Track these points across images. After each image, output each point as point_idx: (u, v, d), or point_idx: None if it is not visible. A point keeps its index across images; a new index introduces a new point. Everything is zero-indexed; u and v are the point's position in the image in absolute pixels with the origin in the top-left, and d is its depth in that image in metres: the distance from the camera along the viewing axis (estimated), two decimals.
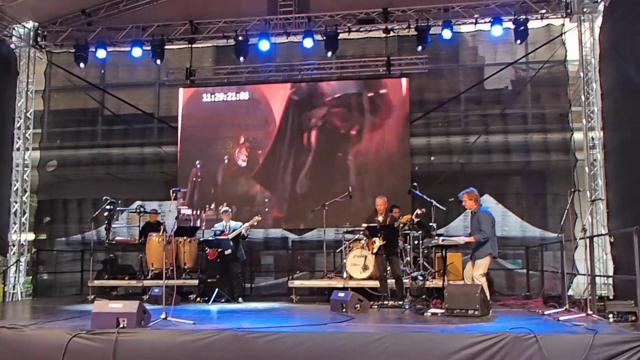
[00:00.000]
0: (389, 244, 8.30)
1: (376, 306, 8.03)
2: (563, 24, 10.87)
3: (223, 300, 9.12)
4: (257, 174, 11.90)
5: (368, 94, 11.79)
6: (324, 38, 10.95)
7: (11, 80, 11.45)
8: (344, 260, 9.52)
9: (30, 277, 11.53)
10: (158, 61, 11.48)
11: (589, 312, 6.65)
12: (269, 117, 12.02)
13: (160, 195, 11.74)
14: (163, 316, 6.31)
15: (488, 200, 10.50)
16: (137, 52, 11.34)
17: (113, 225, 10.67)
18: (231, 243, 9.16)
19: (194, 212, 11.97)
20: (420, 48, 10.97)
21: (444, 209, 9.47)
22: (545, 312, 7.16)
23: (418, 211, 8.35)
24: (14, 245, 11.14)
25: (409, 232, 9.63)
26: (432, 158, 11.84)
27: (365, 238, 9.09)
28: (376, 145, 11.64)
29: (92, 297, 9.54)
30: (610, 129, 9.46)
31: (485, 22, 10.81)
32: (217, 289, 9.11)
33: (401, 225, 8.55)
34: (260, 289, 11.82)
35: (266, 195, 11.87)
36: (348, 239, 9.94)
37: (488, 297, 7.12)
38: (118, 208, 10.81)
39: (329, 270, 10.47)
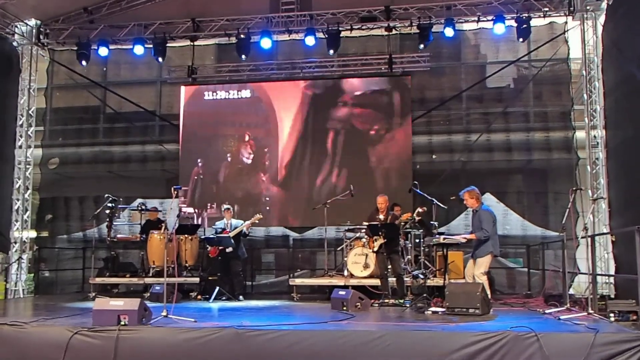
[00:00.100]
0: (390, 242, 8.29)
1: (377, 304, 8.03)
2: (566, 22, 10.83)
3: (224, 298, 9.13)
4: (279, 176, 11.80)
5: (376, 93, 11.73)
6: (326, 36, 10.94)
7: (13, 78, 11.48)
8: (345, 259, 9.51)
9: (32, 275, 11.53)
10: (160, 59, 11.50)
11: (590, 311, 6.66)
12: (270, 116, 12.01)
13: (162, 193, 11.78)
14: (164, 314, 6.33)
15: (489, 199, 10.48)
16: (139, 50, 11.36)
17: (114, 223, 10.69)
18: (232, 241, 9.17)
19: (196, 211, 11.96)
20: (422, 46, 10.97)
21: (445, 207, 9.47)
22: (546, 311, 7.17)
23: (419, 209, 8.35)
24: (15, 243, 11.17)
25: (410, 230, 9.62)
26: (434, 156, 11.82)
27: (366, 236, 9.10)
28: (385, 145, 11.60)
29: (94, 294, 9.54)
30: (613, 127, 9.42)
31: (487, 20, 10.78)
32: (218, 287, 9.13)
33: (402, 223, 8.56)
34: (261, 287, 11.83)
35: (269, 194, 11.84)
36: (349, 237, 9.92)
37: (489, 296, 7.13)
38: (119, 206, 10.84)
39: (330, 268, 10.47)
